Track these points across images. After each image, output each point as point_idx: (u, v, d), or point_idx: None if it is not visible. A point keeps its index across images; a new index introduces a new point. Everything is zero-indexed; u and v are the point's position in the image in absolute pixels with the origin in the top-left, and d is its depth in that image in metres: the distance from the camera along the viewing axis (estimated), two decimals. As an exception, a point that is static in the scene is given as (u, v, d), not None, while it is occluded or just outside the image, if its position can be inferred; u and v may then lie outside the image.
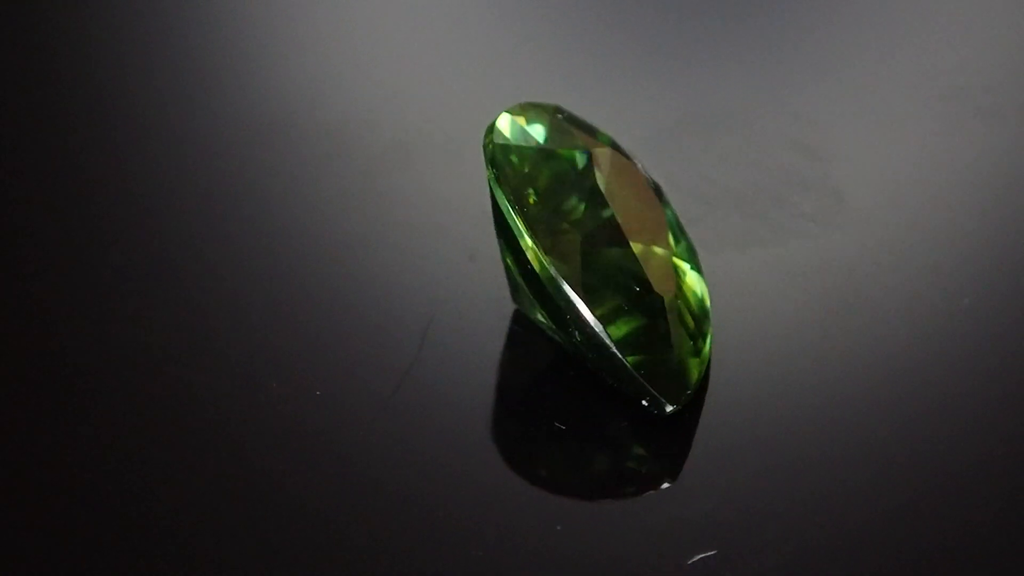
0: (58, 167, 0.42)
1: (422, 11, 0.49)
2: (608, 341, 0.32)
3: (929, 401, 0.34)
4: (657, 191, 0.35)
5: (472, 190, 0.39)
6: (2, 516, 0.32)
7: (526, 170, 0.33)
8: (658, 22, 0.49)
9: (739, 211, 0.39)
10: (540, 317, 0.34)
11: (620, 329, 0.32)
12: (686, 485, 0.32)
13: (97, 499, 0.32)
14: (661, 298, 0.32)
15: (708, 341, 0.33)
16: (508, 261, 0.34)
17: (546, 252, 0.32)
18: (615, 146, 0.34)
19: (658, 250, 0.33)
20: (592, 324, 0.32)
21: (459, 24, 0.48)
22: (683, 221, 0.36)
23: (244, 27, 0.49)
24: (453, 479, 0.32)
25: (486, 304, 0.36)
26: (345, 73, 0.46)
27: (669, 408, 0.32)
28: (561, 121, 0.34)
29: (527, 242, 0.32)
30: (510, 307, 0.36)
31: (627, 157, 0.34)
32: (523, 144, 0.33)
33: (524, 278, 0.33)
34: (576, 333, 0.32)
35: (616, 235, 0.33)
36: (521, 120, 0.34)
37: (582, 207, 0.33)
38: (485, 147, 0.33)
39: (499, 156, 0.33)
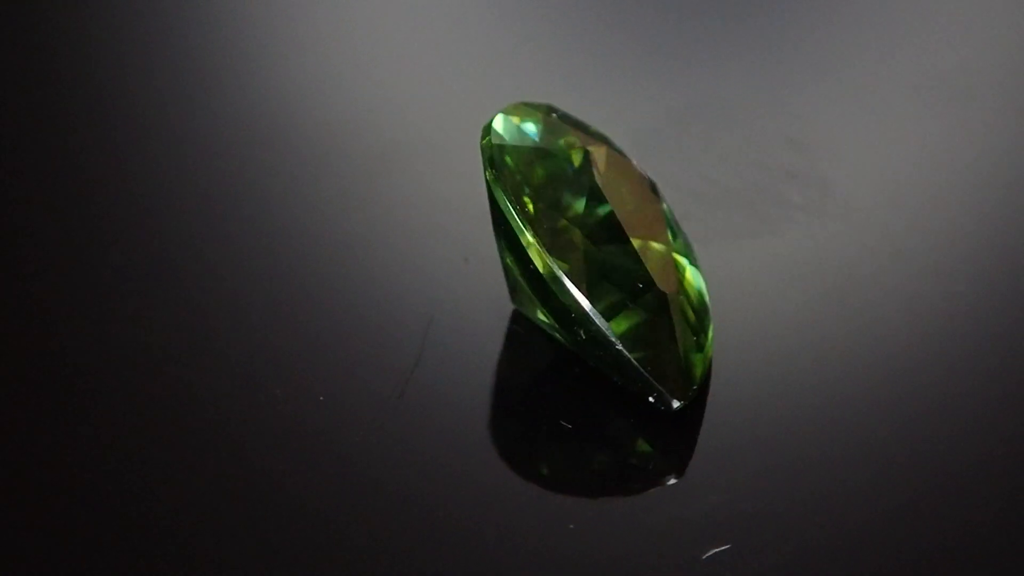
0: (58, 167, 0.41)
1: (411, 13, 0.49)
2: (613, 338, 0.32)
3: (928, 391, 0.34)
4: (653, 187, 0.35)
5: (464, 191, 0.39)
6: (2, 516, 0.32)
7: (524, 169, 0.33)
8: (648, 20, 0.49)
9: (732, 206, 0.39)
10: (541, 316, 0.34)
11: (624, 326, 0.32)
12: (695, 481, 0.32)
13: (97, 499, 0.32)
14: (664, 294, 0.32)
15: (710, 336, 0.33)
16: (508, 261, 0.34)
17: (548, 250, 0.32)
18: (609, 144, 0.35)
19: (658, 246, 0.33)
20: (597, 322, 0.32)
21: (448, 26, 0.48)
22: (677, 217, 0.36)
23: (243, 28, 0.49)
24: (460, 480, 0.32)
25: (484, 305, 0.36)
26: (335, 75, 0.46)
27: (676, 404, 0.32)
28: (555, 120, 0.34)
29: (529, 241, 0.32)
30: (508, 307, 0.36)
31: (622, 154, 0.35)
32: (520, 144, 0.33)
33: (525, 278, 0.33)
34: (581, 332, 0.32)
35: (616, 232, 0.33)
36: (517, 120, 0.34)
37: (581, 205, 0.33)
38: (483, 148, 0.33)
39: (497, 156, 0.33)
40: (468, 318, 0.36)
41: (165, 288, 0.37)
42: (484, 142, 0.33)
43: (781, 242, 0.38)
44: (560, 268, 0.32)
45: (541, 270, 0.32)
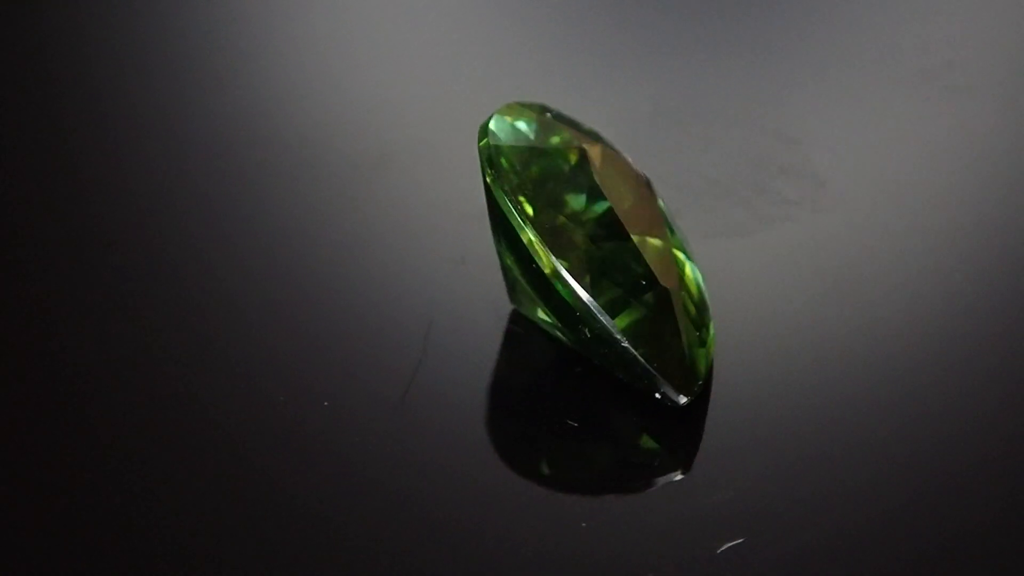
0: (58, 168, 0.41)
1: (403, 15, 0.49)
2: (619, 335, 0.32)
3: (929, 383, 0.34)
4: (648, 184, 0.35)
5: (458, 192, 0.39)
6: (2, 516, 0.32)
7: (522, 169, 0.33)
8: (636, 20, 0.49)
9: (726, 202, 0.40)
10: (542, 316, 0.34)
11: (628, 323, 0.32)
12: (704, 476, 0.32)
13: (97, 500, 0.32)
14: (666, 290, 0.32)
15: (711, 331, 0.33)
16: (508, 262, 0.34)
17: (550, 249, 0.32)
18: (604, 141, 0.35)
19: (657, 242, 0.33)
20: (602, 319, 0.32)
21: (439, 27, 0.48)
22: (671, 213, 0.36)
23: (242, 28, 0.49)
24: (469, 481, 0.32)
25: (483, 305, 0.36)
26: (327, 77, 0.46)
27: (683, 400, 0.32)
28: (550, 119, 0.34)
29: (531, 240, 0.32)
30: (507, 308, 0.36)
31: (617, 152, 0.35)
32: (517, 144, 0.33)
33: (526, 278, 0.33)
34: (585, 330, 0.32)
35: (616, 228, 0.33)
36: (512, 120, 0.34)
37: (580, 202, 0.33)
38: (481, 149, 0.33)
39: (495, 157, 0.33)
40: (467, 319, 0.36)
41: (164, 288, 0.37)
42: (482, 143, 0.33)
43: (776, 237, 0.38)
44: (564, 267, 0.32)
45: (544, 269, 0.32)
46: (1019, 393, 0.34)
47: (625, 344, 0.32)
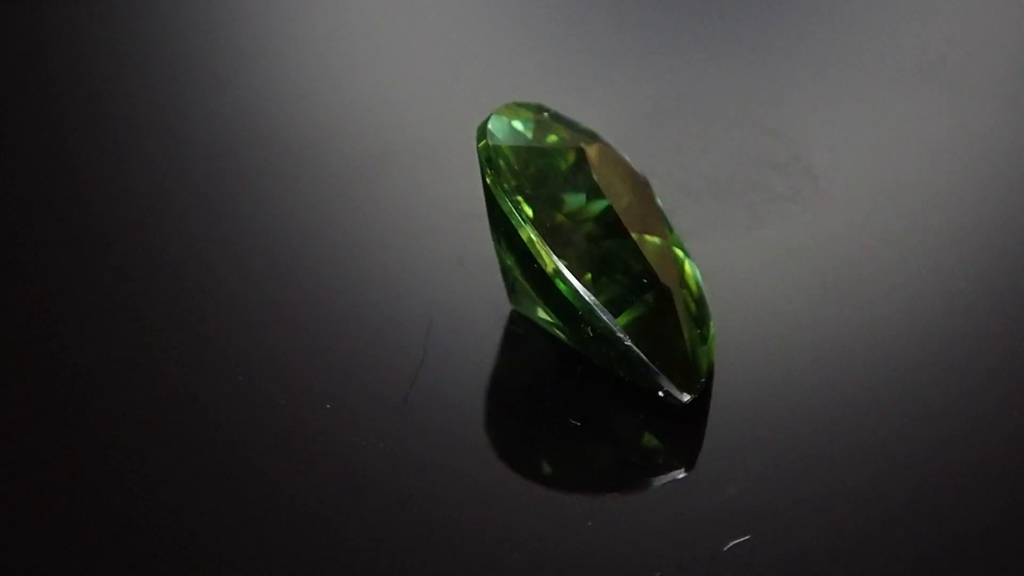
0: (58, 168, 0.41)
1: (399, 15, 0.49)
2: (622, 334, 0.32)
3: (927, 377, 0.34)
4: (645, 183, 0.35)
5: (452, 192, 0.40)
6: (2, 516, 0.32)
7: (521, 169, 0.33)
8: (626, 19, 0.49)
9: (719, 199, 0.40)
10: (542, 316, 0.34)
11: (631, 321, 0.32)
12: (709, 473, 0.32)
13: (97, 503, 0.32)
14: (667, 288, 0.32)
15: (712, 328, 0.33)
16: (508, 262, 0.34)
17: (551, 248, 0.32)
18: (601, 140, 0.35)
19: (657, 240, 0.33)
20: (605, 318, 0.32)
21: (433, 28, 0.48)
22: (666, 211, 0.36)
23: (242, 29, 0.49)
24: (475, 483, 0.32)
25: (482, 306, 0.36)
26: (323, 79, 0.46)
27: (686, 398, 0.32)
28: (547, 119, 0.34)
29: (532, 240, 0.32)
30: (506, 308, 0.36)
31: (614, 151, 0.35)
32: (515, 144, 0.34)
33: (527, 277, 0.33)
34: (588, 329, 0.32)
35: (616, 227, 0.33)
36: (510, 120, 0.34)
37: (580, 201, 0.33)
38: (480, 150, 0.33)
39: (494, 157, 0.33)
40: (467, 320, 0.36)
41: (164, 288, 0.37)
42: (480, 144, 0.33)
43: (772, 232, 0.38)
44: (566, 266, 0.32)
45: (546, 268, 0.32)
46: (1019, 393, 0.34)
47: (628, 343, 0.32)
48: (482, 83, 0.45)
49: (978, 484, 0.32)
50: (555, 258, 0.32)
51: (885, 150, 0.42)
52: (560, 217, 0.33)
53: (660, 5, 0.49)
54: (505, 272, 0.35)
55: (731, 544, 0.30)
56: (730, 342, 0.35)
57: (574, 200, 0.33)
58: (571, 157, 0.34)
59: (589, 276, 0.32)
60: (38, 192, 0.40)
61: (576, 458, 0.33)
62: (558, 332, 0.34)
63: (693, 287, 0.33)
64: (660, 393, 0.33)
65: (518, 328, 0.35)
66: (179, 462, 0.33)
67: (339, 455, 0.33)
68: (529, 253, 0.33)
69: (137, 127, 0.43)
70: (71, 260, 0.38)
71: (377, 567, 0.31)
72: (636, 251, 0.33)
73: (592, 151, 0.34)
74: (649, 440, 0.33)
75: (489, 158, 0.33)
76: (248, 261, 0.38)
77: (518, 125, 0.34)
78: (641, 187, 0.34)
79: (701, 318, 0.33)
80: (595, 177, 0.33)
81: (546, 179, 0.33)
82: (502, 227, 0.33)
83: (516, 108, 0.34)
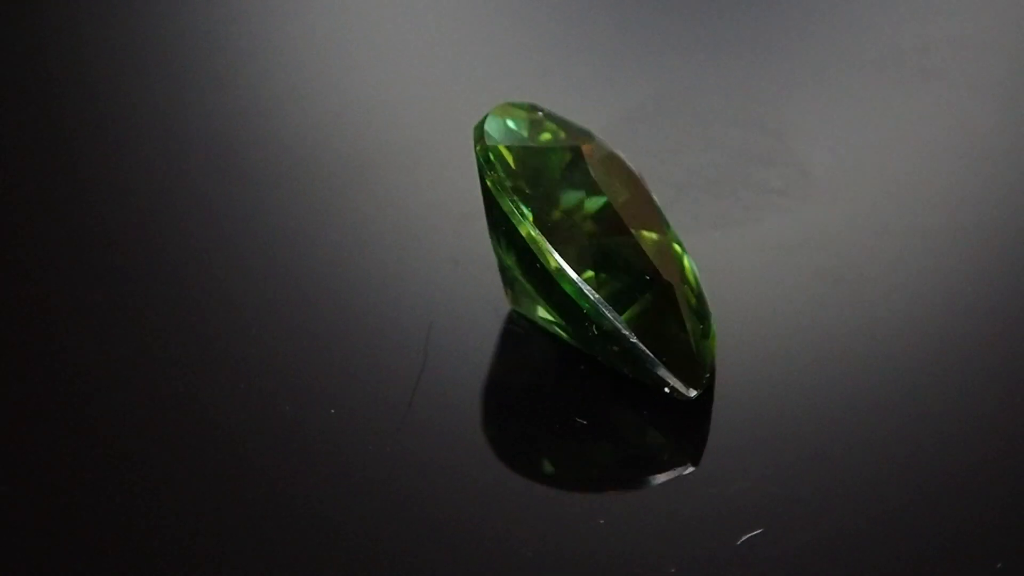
0: (58, 168, 0.41)
1: (383, 16, 0.49)
2: (627, 331, 0.32)
3: (929, 367, 0.35)
4: (641, 179, 0.35)
5: (445, 194, 0.40)
6: (2, 516, 0.32)
7: (519, 168, 0.33)
8: (610, 17, 0.49)
9: (709, 193, 0.40)
10: (542, 315, 0.34)
11: (635, 318, 0.32)
12: (717, 468, 0.32)
13: (98, 507, 0.32)
14: (670, 283, 0.32)
15: (712, 323, 0.33)
16: (508, 262, 0.34)
17: (553, 246, 0.32)
18: (596, 138, 0.35)
19: (656, 236, 0.33)
20: (610, 316, 0.32)
21: (414, 30, 0.48)
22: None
23: (241, 30, 0.49)
24: (480, 484, 0.32)
25: (481, 307, 0.36)
26: (305, 82, 0.46)
27: (692, 393, 0.33)
28: (541, 118, 0.34)
29: (534, 239, 0.32)
30: (505, 308, 0.36)
31: (609, 148, 0.35)
32: (512, 144, 0.34)
33: (528, 276, 0.33)
34: (593, 327, 0.32)
35: (616, 223, 0.33)
36: (506, 120, 0.34)
37: (579, 199, 0.33)
38: (478, 150, 0.33)
39: (493, 157, 0.33)
40: (467, 321, 0.36)
41: (163, 289, 0.37)
42: (478, 144, 0.33)
43: (767, 228, 0.39)
44: (569, 264, 0.32)
45: (548, 267, 0.32)
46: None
47: (633, 339, 0.32)
48: (474, 84, 0.45)
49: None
50: (557, 256, 0.32)
51: (878, 145, 0.42)
52: (559, 215, 0.33)
53: (651, 4, 0.49)
54: (504, 272, 0.35)
55: (744, 538, 0.30)
56: (729, 337, 0.35)
57: (573, 198, 0.33)
58: (568, 155, 0.34)
59: (591, 273, 0.32)
60: (38, 192, 0.40)
61: (584, 456, 0.33)
62: (559, 331, 0.34)
63: (693, 282, 0.34)
64: (666, 389, 0.33)
65: (518, 328, 0.35)
66: (179, 462, 0.32)
67: (348, 460, 0.33)
68: (530, 252, 0.33)
69: (136, 127, 0.43)
70: (71, 260, 0.38)
71: (395, 571, 0.30)
72: (637, 247, 0.33)
73: (588, 149, 0.34)
74: (655, 436, 0.33)
75: (488, 159, 0.33)
76: (247, 263, 0.38)
77: (513, 125, 0.34)
78: (637, 184, 0.34)
79: (702, 313, 0.33)
80: (592, 174, 0.33)
81: (544, 178, 0.33)
82: (502, 227, 0.33)
83: (511, 108, 0.34)
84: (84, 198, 0.40)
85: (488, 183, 0.33)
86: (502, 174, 0.33)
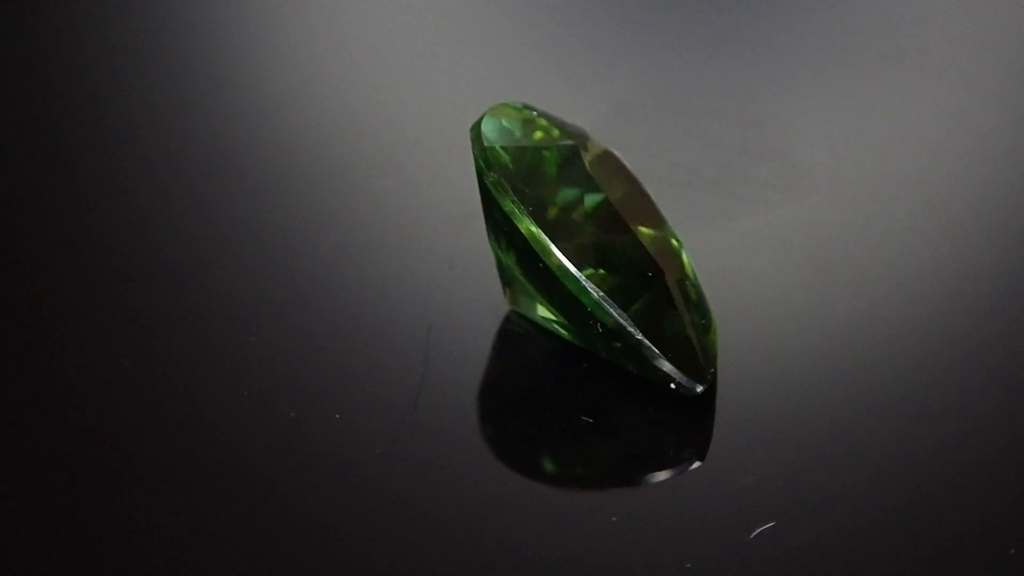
0: (58, 168, 0.41)
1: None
2: (632, 327, 0.32)
3: (930, 356, 0.35)
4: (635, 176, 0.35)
5: (438, 195, 0.39)
6: (2, 516, 0.31)
7: (517, 168, 0.33)
8: (593, 14, 0.49)
9: (702, 189, 0.40)
10: (543, 314, 0.34)
11: (640, 314, 0.32)
12: (725, 463, 0.32)
13: (99, 512, 0.32)
14: (673, 279, 0.33)
15: (713, 317, 0.34)
16: (508, 261, 0.34)
17: (555, 244, 0.32)
18: (590, 137, 0.35)
19: (655, 232, 0.33)
20: (615, 313, 0.32)
21: (396, 33, 0.48)
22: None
23: (239, 30, 0.49)
24: (493, 486, 0.32)
25: (479, 308, 0.36)
26: (293, 87, 0.46)
27: (699, 388, 0.33)
28: (536, 117, 0.34)
29: (537, 238, 0.32)
30: (503, 309, 0.36)
31: (603, 146, 0.35)
32: (509, 144, 0.34)
33: (529, 276, 0.34)
34: (598, 325, 0.33)
35: (617, 220, 0.33)
36: (502, 120, 0.34)
37: (578, 197, 0.33)
38: (476, 152, 0.34)
39: (492, 158, 0.33)
40: (466, 322, 0.36)
41: (162, 290, 0.37)
42: (476, 145, 0.34)
43: (761, 222, 0.39)
44: (569, 261, 0.32)
45: (551, 266, 0.32)
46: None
47: (639, 336, 0.32)
48: (463, 84, 0.45)
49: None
50: (559, 254, 0.32)
51: (864, 136, 0.42)
52: (558, 213, 0.33)
53: (639, 1, 0.49)
54: (503, 272, 0.35)
55: (757, 531, 0.31)
56: (728, 331, 0.35)
57: (571, 196, 0.33)
58: (564, 153, 0.34)
59: (593, 271, 0.32)
60: (38, 192, 0.40)
61: (592, 454, 0.33)
62: (560, 329, 0.34)
63: (692, 278, 0.34)
64: (672, 385, 0.33)
65: (517, 328, 0.36)
66: (179, 462, 0.32)
67: (356, 464, 0.32)
68: (531, 251, 0.33)
69: (136, 128, 0.43)
70: (71, 260, 0.38)
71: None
72: (637, 243, 0.33)
73: (584, 147, 0.34)
74: (662, 433, 0.33)
75: (487, 159, 0.33)
76: (244, 266, 0.38)
77: (510, 125, 0.34)
78: (633, 180, 0.34)
79: (703, 308, 0.33)
80: (589, 172, 0.33)
81: (542, 176, 0.33)
82: (503, 227, 0.33)
83: (506, 108, 0.34)
84: (83, 198, 0.40)
85: (488, 184, 0.33)
86: (501, 174, 0.33)
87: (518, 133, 0.34)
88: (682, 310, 0.32)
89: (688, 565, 0.30)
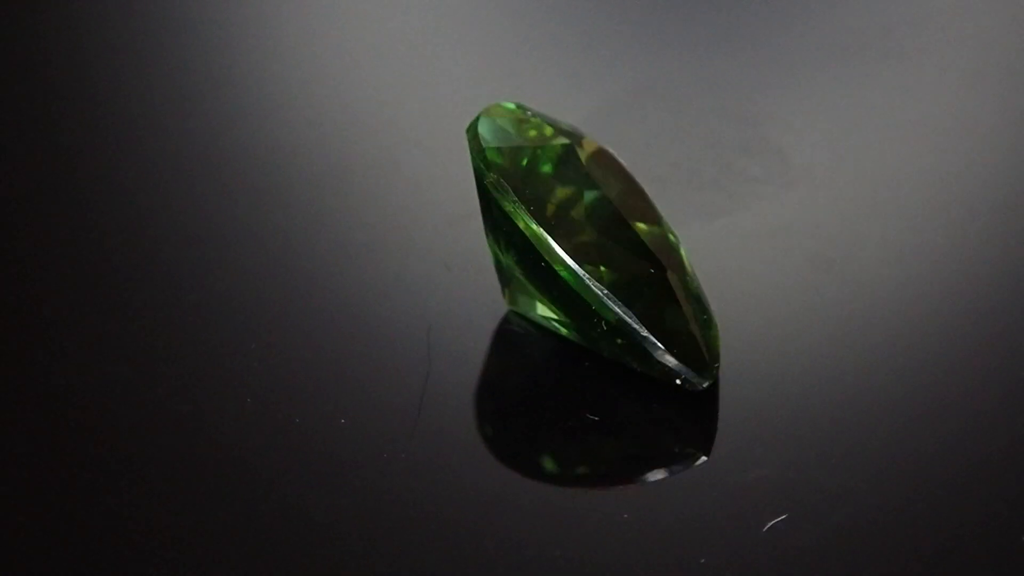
0: (57, 168, 0.41)
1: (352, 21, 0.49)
2: (637, 324, 0.32)
3: (927, 348, 0.35)
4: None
5: (432, 196, 0.39)
6: (1, 516, 0.31)
7: (515, 167, 0.33)
8: (580, 11, 0.49)
9: (692, 184, 0.40)
10: (545, 313, 0.34)
11: (644, 311, 0.32)
12: (733, 457, 0.32)
13: (105, 521, 0.32)
14: (674, 274, 0.33)
15: (713, 313, 0.34)
16: (508, 261, 0.34)
17: (557, 243, 0.32)
18: (584, 135, 0.35)
19: (655, 229, 0.33)
20: (619, 310, 0.32)
21: (382, 36, 0.48)
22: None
23: (238, 31, 0.49)
24: (502, 486, 0.32)
25: (479, 309, 0.36)
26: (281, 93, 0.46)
27: (705, 384, 0.33)
28: (530, 117, 0.35)
29: (539, 237, 0.33)
30: (502, 310, 0.36)
31: (598, 144, 0.35)
32: (506, 144, 0.34)
33: (530, 275, 0.34)
34: (602, 323, 0.33)
35: (615, 217, 0.33)
36: (497, 120, 0.34)
37: (576, 195, 0.33)
38: (474, 153, 0.34)
39: (490, 158, 0.33)
40: (466, 324, 0.36)
41: (162, 292, 0.37)
42: (473, 146, 0.34)
43: (752, 215, 0.39)
44: (572, 260, 0.32)
45: (553, 264, 0.33)
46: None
47: (645, 332, 0.32)
48: (458, 84, 0.45)
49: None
50: (561, 252, 0.32)
51: (850, 126, 0.43)
52: (558, 212, 0.33)
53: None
54: (502, 272, 0.35)
55: (770, 524, 0.31)
56: (727, 326, 0.35)
57: (569, 194, 0.33)
58: (560, 152, 0.34)
59: (596, 268, 0.32)
60: (37, 192, 0.40)
61: (600, 452, 0.33)
62: (561, 328, 0.34)
63: (691, 273, 0.34)
64: (677, 381, 0.33)
65: (517, 328, 0.36)
66: (179, 462, 0.32)
67: (362, 467, 0.32)
68: (532, 250, 0.33)
69: (135, 129, 0.43)
70: (71, 260, 0.38)
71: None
72: (638, 240, 0.33)
73: (579, 144, 0.34)
74: (668, 428, 0.33)
75: (485, 160, 0.33)
76: (243, 268, 0.38)
77: (504, 125, 0.34)
78: (628, 177, 0.35)
79: (703, 303, 0.33)
80: (585, 170, 0.33)
81: (539, 176, 0.33)
82: (503, 227, 0.33)
83: (500, 108, 0.35)
84: (83, 198, 0.40)
85: (488, 184, 0.33)
86: (500, 174, 0.33)
87: (513, 133, 0.34)
88: (684, 305, 0.33)
89: (703, 560, 0.30)
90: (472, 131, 0.34)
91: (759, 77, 0.45)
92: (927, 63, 0.45)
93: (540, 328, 0.35)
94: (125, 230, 0.39)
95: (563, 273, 0.33)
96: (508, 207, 0.33)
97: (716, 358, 0.33)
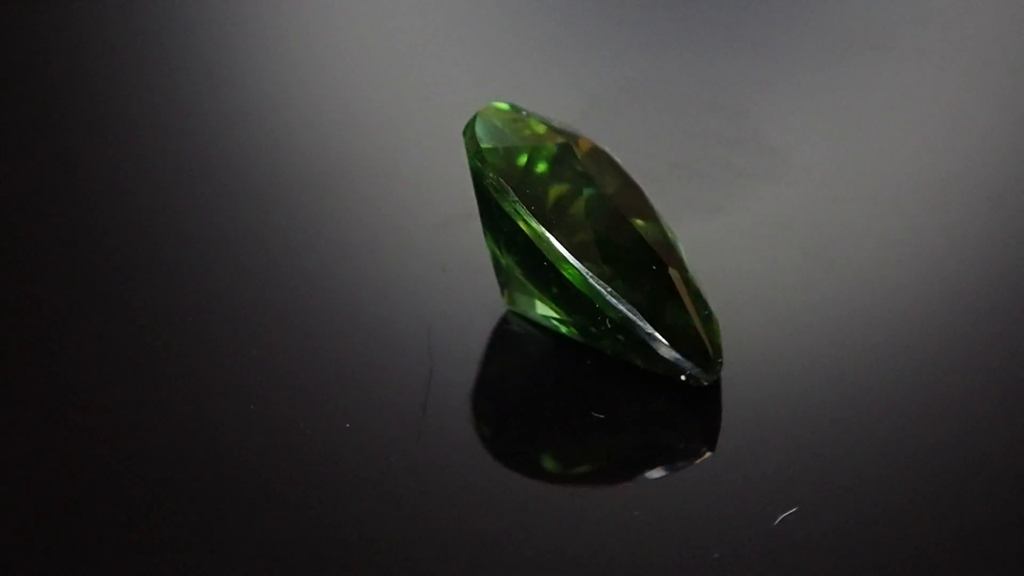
0: (57, 168, 0.41)
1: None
2: (641, 321, 0.32)
3: (927, 341, 0.35)
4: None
5: (429, 197, 0.40)
6: (1, 516, 0.31)
7: (513, 167, 0.33)
8: (568, 8, 0.49)
9: (683, 180, 0.40)
10: (545, 312, 0.34)
11: (647, 307, 0.32)
12: (740, 452, 0.32)
13: (97, 507, 0.32)
14: (675, 270, 0.33)
15: (712, 308, 0.34)
16: (508, 261, 0.34)
17: (558, 241, 0.32)
18: (579, 134, 0.35)
19: (653, 226, 0.33)
20: (622, 308, 0.32)
21: (372, 38, 0.48)
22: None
23: (236, 31, 0.49)
24: (511, 486, 0.32)
25: (477, 310, 0.36)
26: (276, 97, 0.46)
27: (711, 378, 0.33)
28: (525, 117, 0.35)
29: (539, 235, 0.33)
30: (500, 310, 0.36)
31: (593, 142, 0.35)
32: (503, 144, 0.34)
33: (531, 274, 0.34)
34: (606, 321, 0.33)
35: (614, 214, 0.33)
36: (493, 121, 0.34)
37: (577, 193, 0.33)
38: (471, 153, 0.34)
39: (489, 158, 0.33)
40: (466, 325, 0.36)
41: (161, 292, 0.37)
42: (471, 147, 0.34)
43: (752, 213, 0.39)
44: (574, 258, 0.32)
45: (555, 263, 0.33)
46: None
47: (649, 329, 0.32)
48: (452, 85, 0.45)
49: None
50: (563, 250, 0.32)
51: (849, 124, 0.43)
52: (556, 210, 0.33)
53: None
54: (501, 272, 0.35)
55: (781, 517, 0.31)
56: (726, 321, 0.35)
57: (567, 192, 0.33)
58: (556, 151, 0.34)
59: (597, 265, 0.32)
60: (37, 192, 0.40)
61: (607, 450, 0.33)
62: (561, 327, 0.34)
63: (689, 269, 0.34)
64: (682, 377, 0.33)
65: (517, 328, 0.36)
66: (179, 462, 0.32)
67: (368, 470, 0.32)
68: (533, 250, 0.33)
69: (136, 128, 0.43)
70: (71, 260, 0.38)
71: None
72: (638, 236, 0.33)
73: (575, 143, 0.34)
74: (673, 425, 0.33)
75: (483, 160, 0.33)
76: (243, 264, 0.38)
77: (500, 125, 0.34)
78: (624, 175, 0.35)
79: (702, 298, 0.33)
80: (583, 168, 0.34)
81: (536, 175, 0.33)
82: (503, 228, 0.33)
83: (495, 109, 0.35)
84: (83, 198, 0.40)
85: (487, 185, 0.33)
86: (499, 173, 0.33)
87: (509, 133, 0.34)
88: (687, 301, 0.33)
89: (716, 555, 0.30)
90: (469, 132, 0.34)
91: (757, 75, 0.45)
92: (927, 62, 0.45)
93: (539, 328, 0.35)
94: (125, 230, 0.39)
95: (567, 271, 0.33)
96: (508, 207, 0.33)
97: (719, 353, 0.33)
